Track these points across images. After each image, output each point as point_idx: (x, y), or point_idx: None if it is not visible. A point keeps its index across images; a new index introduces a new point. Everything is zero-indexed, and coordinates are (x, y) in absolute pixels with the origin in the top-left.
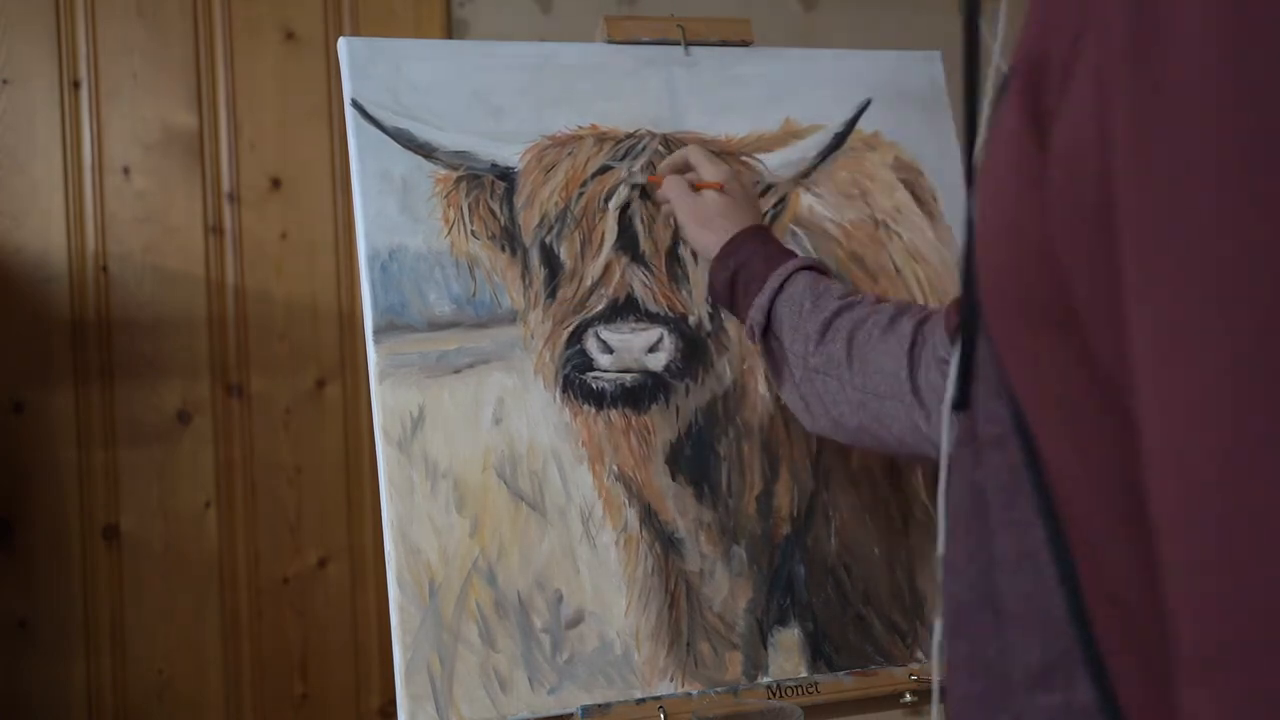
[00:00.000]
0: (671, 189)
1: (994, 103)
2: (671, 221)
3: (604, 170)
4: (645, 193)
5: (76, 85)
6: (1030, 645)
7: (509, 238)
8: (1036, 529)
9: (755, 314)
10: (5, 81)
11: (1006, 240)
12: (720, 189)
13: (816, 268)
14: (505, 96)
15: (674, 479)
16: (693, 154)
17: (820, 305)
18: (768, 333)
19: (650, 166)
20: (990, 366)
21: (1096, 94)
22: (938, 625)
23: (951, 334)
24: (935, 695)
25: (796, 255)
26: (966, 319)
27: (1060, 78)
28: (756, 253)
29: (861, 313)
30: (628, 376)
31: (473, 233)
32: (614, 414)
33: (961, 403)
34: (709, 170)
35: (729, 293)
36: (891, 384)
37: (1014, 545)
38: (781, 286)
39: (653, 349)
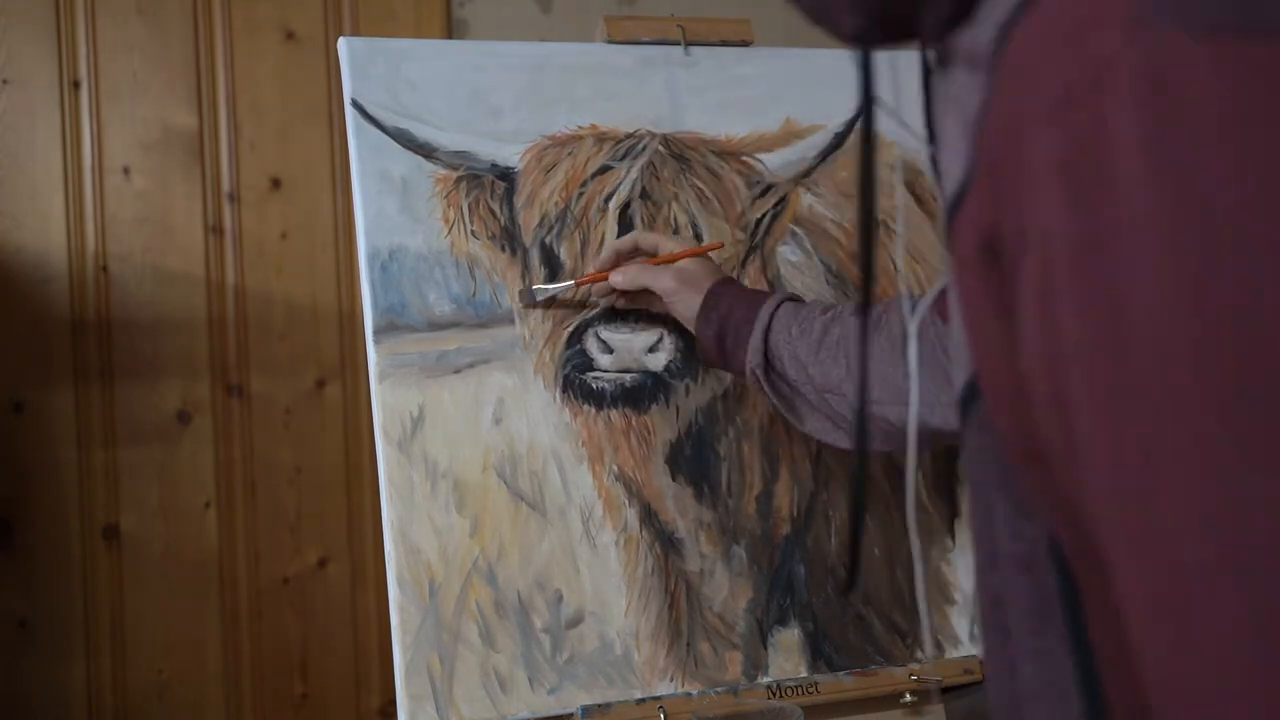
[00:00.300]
0: (630, 273)
1: (948, 211)
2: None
3: (604, 170)
4: (645, 193)
5: (76, 85)
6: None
7: (509, 238)
8: (1063, 662)
9: (752, 356)
10: (5, 81)
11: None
12: (677, 258)
13: (795, 298)
14: (505, 96)
15: (674, 479)
16: (642, 239)
17: (806, 327)
18: (770, 371)
19: (651, 166)
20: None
21: (1039, 304)
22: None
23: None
24: None
25: (773, 292)
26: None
27: (1011, 266)
28: (736, 300)
29: (849, 324)
30: (628, 376)
31: (473, 233)
32: (614, 414)
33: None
34: (664, 243)
35: (719, 347)
36: (891, 390)
37: (1038, 676)
38: (770, 322)
39: (653, 349)
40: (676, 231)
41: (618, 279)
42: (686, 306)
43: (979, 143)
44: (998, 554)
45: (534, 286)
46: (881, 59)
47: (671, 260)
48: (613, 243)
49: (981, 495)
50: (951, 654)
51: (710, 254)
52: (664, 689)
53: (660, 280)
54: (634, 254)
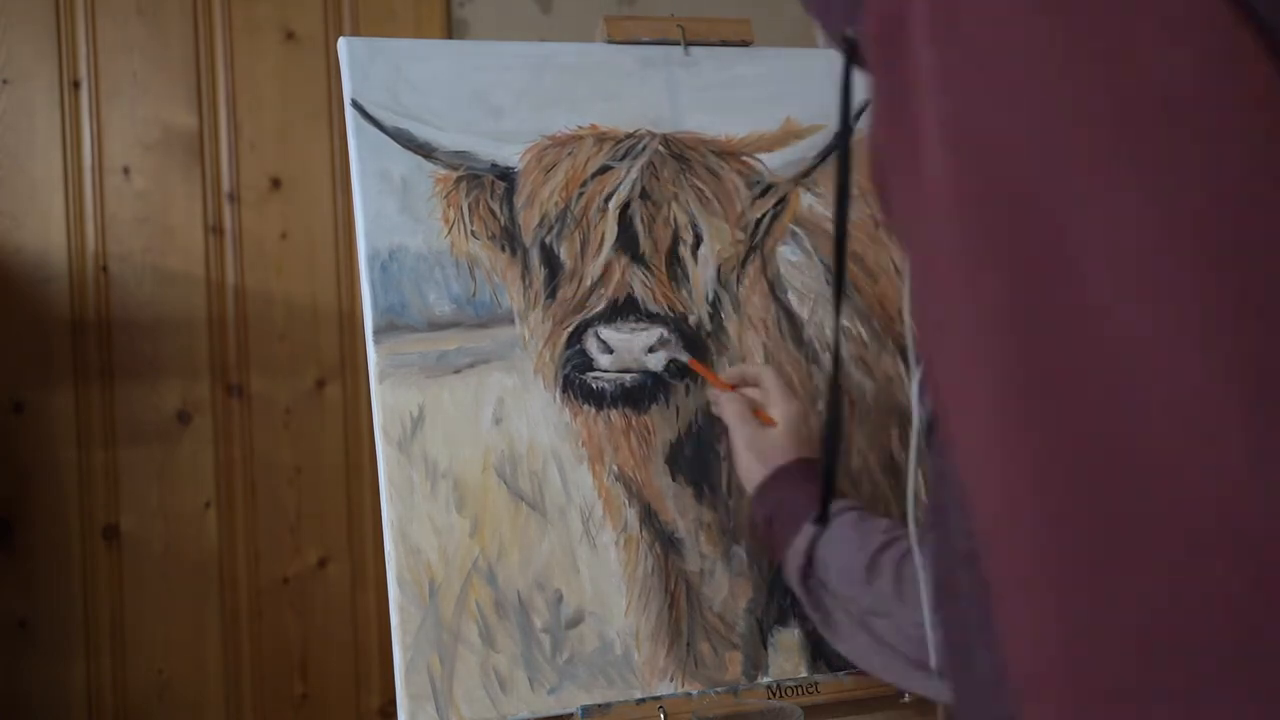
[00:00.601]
0: (731, 407)
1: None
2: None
3: (604, 170)
4: (645, 193)
5: (76, 85)
6: None
7: (509, 238)
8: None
9: (794, 558)
10: (5, 81)
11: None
12: (772, 424)
13: (860, 508)
14: (505, 96)
15: (674, 479)
16: (767, 377)
17: (864, 543)
18: (809, 577)
19: (651, 166)
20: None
21: None
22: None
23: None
24: None
25: (841, 496)
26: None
27: None
28: (800, 490)
29: (905, 546)
30: (628, 376)
31: (473, 233)
32: (614, 414)
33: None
34: (780, 403)
35: (768, 530)
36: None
37: (992, 666)
38: (822, 531)
39: (653, 349)
40: (676, 232)
41: (721, 400)
42: (751, 478)
43: None
44: (955, 554)
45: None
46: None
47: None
48: (747, 368)
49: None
50: None
51: (809, 427)
52: (664, 689)
53: (739, 436)
54: (753, 383)
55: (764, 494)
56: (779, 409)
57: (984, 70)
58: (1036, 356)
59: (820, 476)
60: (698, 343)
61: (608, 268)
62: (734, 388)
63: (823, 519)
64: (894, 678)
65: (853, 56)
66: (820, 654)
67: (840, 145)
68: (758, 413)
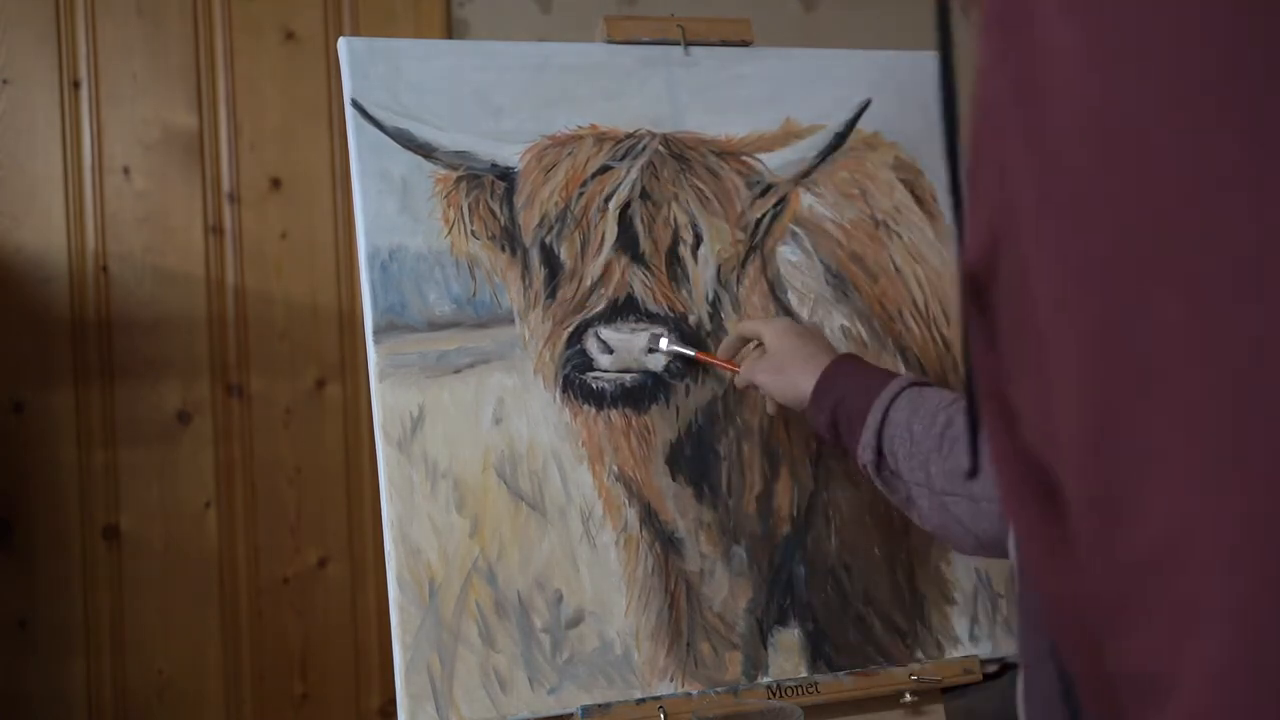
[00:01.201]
0: (745, 371)
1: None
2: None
3: (604, 170)
4: (645, 193)
5: (76, 85)
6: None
7: (509, 238)
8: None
9: (865, 453)
10: (5, 81)
11: None
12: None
13: (918, 382)
14: (505, 96)
15: (674, 479)
16: (744, 328)
17: (927, 423)
18: (882, 468)
19: (651, 166)
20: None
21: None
22: None
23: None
24: None
25: (894, 377)
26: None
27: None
28: (851, 386)
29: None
30: (628, 376)
31: (473, 233)
32: (614, 414)
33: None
34: (762, 328)
35: (833, 434)
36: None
37: (1040, 685)
38: (885, 417)
39: (652, 349)
40: (676, 232)
41: (740, 381)
42: (787, 393)
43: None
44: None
45: (663, 343)
46: (882, 61)
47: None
48: (733, 332)
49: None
50: (951, 654)
51: (797, 328)
52: (664, 689)
53: (756, 373)
54: (741, 345)
55: (818, 400)
56: (764, 331)
57: (1135, 58)
58: (1227, 381)
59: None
60: (698, 343)
61: (608, 268)
62: (735, 366)
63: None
64: (968, 550)
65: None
66: (820, 654)
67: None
68: (726, 364)
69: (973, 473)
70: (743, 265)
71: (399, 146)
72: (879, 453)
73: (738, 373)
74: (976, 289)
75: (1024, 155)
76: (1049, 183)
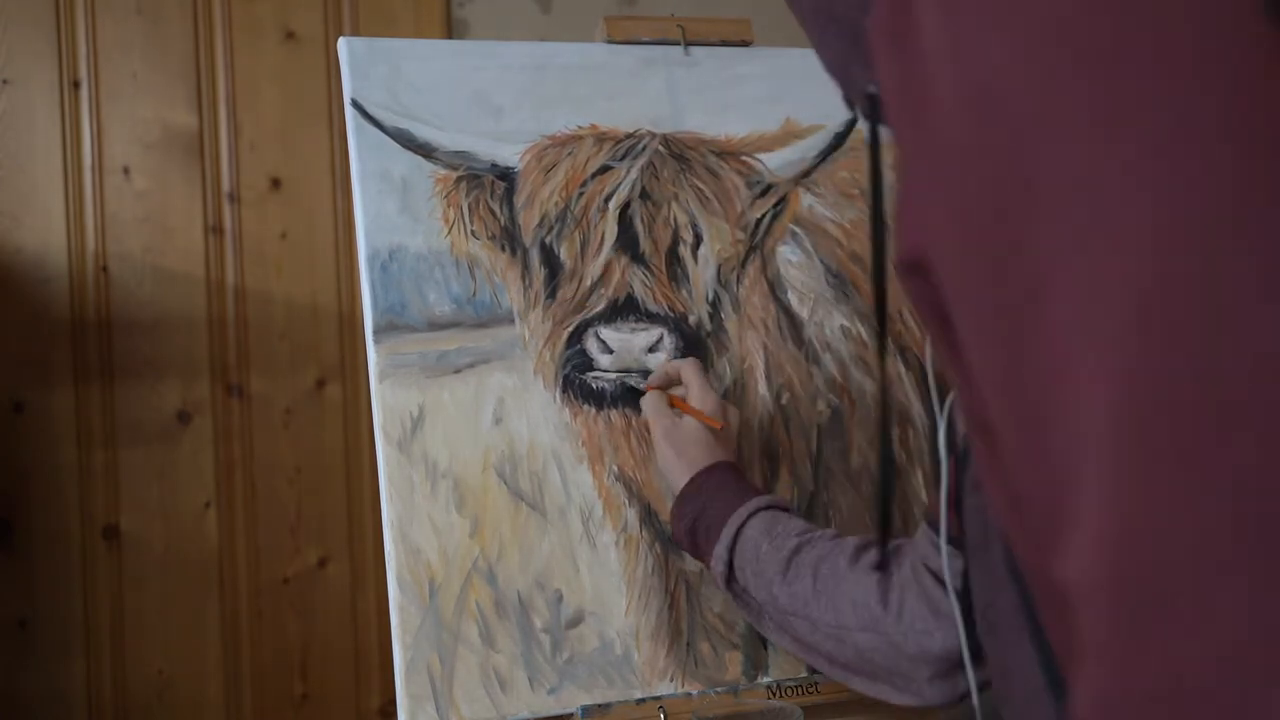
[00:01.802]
0: (648, 403)
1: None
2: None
3: (604, 170)
4: (645, 193)
5: (76, 85)
6: None
7: (509, 238)
8: (1034, 662)
9: (716, 564)
10: (5, 81)
11: None
12: (701, 419)
13: (776, 506)
14: (505, 96)
15: None
16: (686, 370)
17: (778, 545)
18: (732, 582)
19: (651, 166)
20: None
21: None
22: None
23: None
24: None
25: (755, 495)
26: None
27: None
28: (714, 498)
29: (824, 548)
30: (628, 376)
31: (473, 233)
32: (614, 414)
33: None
34: (696, 395)
35: (690, 541)
36: (864, 616)
37: (1027, 678)
38: (738, 533)
39: (653, 349)
40: (676, 232)
41: (644, 403)
42: (670, 474)
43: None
44: (993, 566)
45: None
46: None
47: (687, 410)
48: (666, 365)
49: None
50: None
51: (726, 426)
52: (664, 689)
53: (657, 429)
54: (676, 381)
55: (682, 503)
56: (696, 401)
57: (991, 16)
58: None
59: (877, 507)
60: (698, 342)
61: (608, 268)
62: (661, 387)
63: (882, 564)
64: (818, 666)
65: (877, 115)
66: None
67: (874, 209)
68: (674, 401)
69: (881, 566)
70: (743, 265)
71: (399, 146)
72: (730, 566)
73: (643, 400)
74: (919, 289)
75: (915, 143)
76: (938, 163)
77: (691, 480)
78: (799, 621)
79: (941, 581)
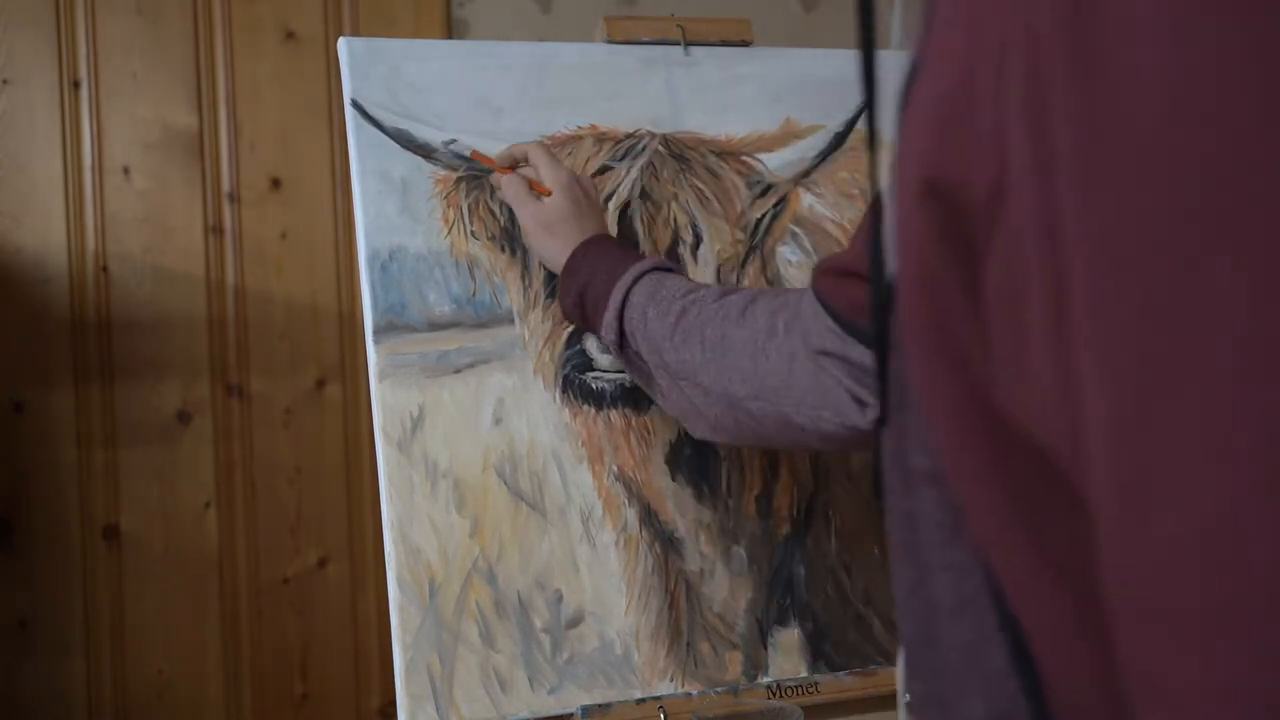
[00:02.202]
0: (510, 188)
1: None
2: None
3: (604, 170)
4: (645, 193)
5: (76, 85)
6: (974, 696)
7: (509, 238)
8: (975, 575)
9: (607, 333)
10: (5, 81)
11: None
12: (548, 194)
13: (660, 268)
14: (505, 96)
15: (674, 479)
16: (533, 152)
17: (663, 310)
18: (625, 347)
19: (651, 166)
20: (911, 394)
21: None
22: (900, 658)
23: (858, 333)
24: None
25: (637, 260)
26: (879, 339)
27: (985, 216)
28: (597, 268)
29: (709, 311)
30: (627, 376)
31: (472, 233)
32: (614, 414)
33: (883, 419)
34: (548, 172)
35: (580, 314)
36: (750, 384)
37: (953, 590)
38: (625, 300)
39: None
40: (676, 232)
41: (501, 182)
42: (548, 255)
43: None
44: (910, 471)
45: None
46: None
47: (541, 191)
48: (512, 147)
49: (895, 415)
50: None
51: (588, 194)
52: (664, 689)
53: (523, 214)
54: (523, 163)
55: (569, 278)
56: (549, 178)
57: (1214, 32)
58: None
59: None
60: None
61: None
62: (511, 169)
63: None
64: (698, 433)
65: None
66: (820, 654)
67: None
68: (534, 185)
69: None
70: (743, 265)
71: (399, 147)
72: (620, 333)
73: (504, 173)
74: (955, 231)
75: (1074, 121)
76: (1108, 147)
77: (572, 255)
78: (690, 387)
79: (832, 359)
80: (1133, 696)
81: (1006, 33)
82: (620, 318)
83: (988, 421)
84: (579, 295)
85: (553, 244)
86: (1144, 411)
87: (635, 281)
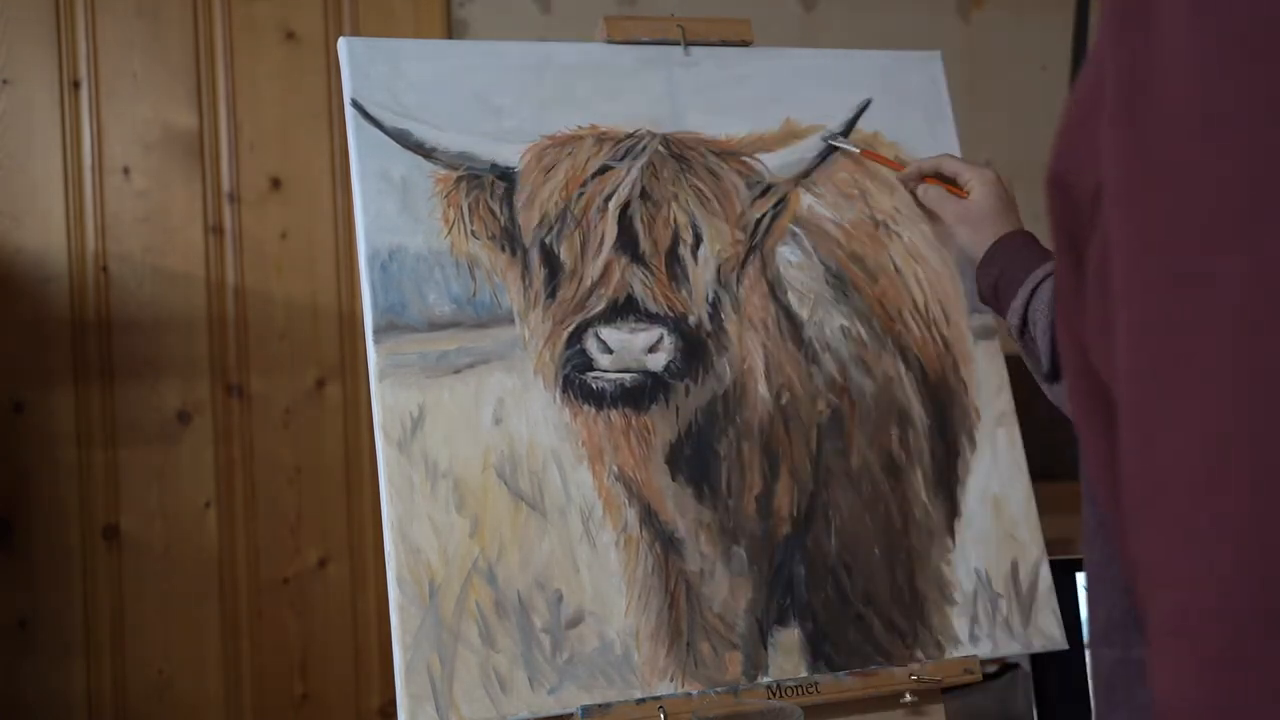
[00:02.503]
0: (930, 192)
1: None
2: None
3: (604, 170)
4: (645, 193)
5: (76, 85)
6: (1100, 605)
7: (509, 238)
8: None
9: (1012, 318)
10: (5, 81)
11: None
12: (964, 195)
13: None
14: (505, 96)
15: (674, 479)
16: (945, 162)
17: None
18: (1024, 334)
19: (651, 166)
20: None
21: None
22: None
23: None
24: None
25: (1050, 259)
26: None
27: (1089, 214)
28: (1013, 260)
29: None
30: (628, 376)
31: (473, 233)
32: (614, 414)
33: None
34: (973, 174)
35: (994, 296)
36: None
37: (1090, 515)
38: (1033, 292)
39: (652, 349)
40: (676, 232)
41: (920, 190)
42: (970, 245)
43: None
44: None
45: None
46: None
47: (959, 195)
48: (921, 160)
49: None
50: (951, 654)
51: (1003, 190)
52: (664, 689)
53: (946, 212)
54: (937, 173)
55: (988, 263)
56: (974, 180)
57: (1254, 63)
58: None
59: None
60: (697, 342)
61: (608, 268)
62: (900, 166)
63: None
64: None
65: None
66: (820, 654)
67: None
68: (948, 188)
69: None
70: (743, 265)
71: (399, 146)
72: (1024, 321)
73: (921, 184)
74: (1074, 235)
75: (1125, 128)
76: (1149, 150)
77: (992, 246)
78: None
79: None
80: (1141, 586)
81: (1104, 53)
82: (1027, 306)
83: (1093, 384)
84: (994, 281)
85: (976, 237)
86: (1157, 353)
87: (1045, 279)
